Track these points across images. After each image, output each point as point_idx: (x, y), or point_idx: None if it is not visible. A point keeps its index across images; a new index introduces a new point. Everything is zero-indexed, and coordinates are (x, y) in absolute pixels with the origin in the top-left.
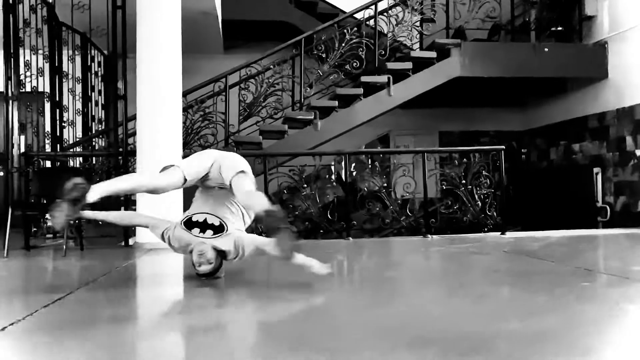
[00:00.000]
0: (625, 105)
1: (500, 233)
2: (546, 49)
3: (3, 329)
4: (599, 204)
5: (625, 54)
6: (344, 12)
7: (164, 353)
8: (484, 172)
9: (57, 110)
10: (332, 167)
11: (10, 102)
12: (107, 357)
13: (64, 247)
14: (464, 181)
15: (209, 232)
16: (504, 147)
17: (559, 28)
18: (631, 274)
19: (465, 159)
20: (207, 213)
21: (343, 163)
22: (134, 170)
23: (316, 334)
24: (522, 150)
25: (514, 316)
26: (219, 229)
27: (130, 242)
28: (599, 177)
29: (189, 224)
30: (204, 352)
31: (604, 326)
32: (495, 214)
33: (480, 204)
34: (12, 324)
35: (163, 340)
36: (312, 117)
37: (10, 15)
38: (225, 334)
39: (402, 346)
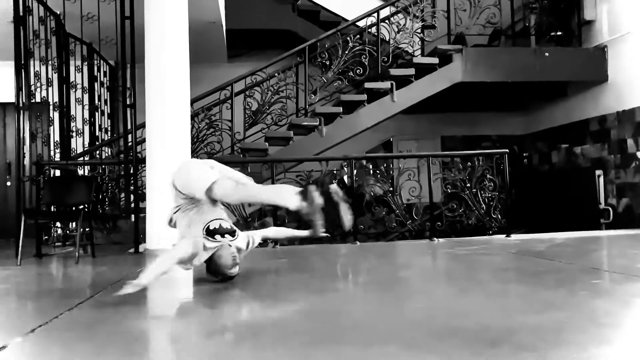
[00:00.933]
0: (626, 107)
1: (505, 235)
2: (547, 54)
3: (32, 330)
4: (602, 206)
5: (624, 57)
6: (347, 20)
7: (188, 352)
8: (488, 176)
9: (66, 119)
10: (335, 172)
11: (22, 112)
12: (139, 349)
13: (77, 254)
14: (468, 185)
15: (228, 237)
16: (507, 150)
17: (559, 33)
18: (637, 272)
19: (469, 163)
20: (219, 219)
21: (348, 168)
22: (142, 179)
23: (338, 329)
24: (524, 154)
25: (530, 310)
26: (232, 232)
27: (141, 249)
28: (601, 179)
29: (209, 233)
30: (223, 351)
31: (619, 318)
32: (499, 216)
33: (484, 207)
34: (40, 325)
35: (188, 340)
36: (317, 123)
37: (21, 27)
38: (250, 333)
39: (430, 337)
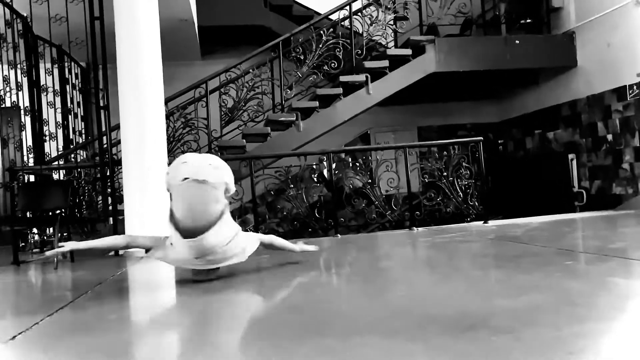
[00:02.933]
0: (595, 92)
1: (482, 222)
2: (517, 41)
3: (13, 337)
4: (576, 189)
5: (592, 42)
6: (319, 14)
7: (171, 351)
8: (464, 164)
9: (38, 124)
10: (315, 167)
11: None
12: (122, 352)
13: (55, 260)
14: (445, 174)
15: None
16: (482, 138)
17: (528, 20)
18: (609, 252)
19: (445, 152)
20: None
21: (327, 162)
22: (119, 181)
23: (322, 321)
24: (499, 141)
25: (508, 294)
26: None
27: (121, 251)
28: (574, 163)
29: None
30: (208, 347)
31: (593, 298)
32: (476, 203)
33: (461, 195)
34: (20, 332)
35: (170, 339)
36: (294, 118)
37: None
38: (233, 329)
39: (411, 325)
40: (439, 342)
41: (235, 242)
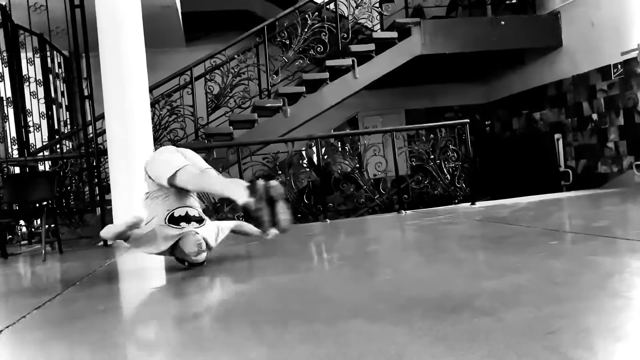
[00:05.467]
0: (580, 72)
1: (470, 203)
2: (502, 22)
3: (0, 331)
4: (562, 168)
5: (577, 22)
6: None
7: (160, 341)
8: (450, 146)
9: (22, 114)
10: (303, 152)
11: None
12: (109, 346)
13: (43, 251)
14: (432, 156)
15: (193, 224)
16: (468, 120)
17: (514, 1)
18: (593, 231)
19: (432, 135)
20: (187, 206)
21: (315, 147)
22: (105, 171)
23: (307, 306)
24: (486, 122)
25: (491, 275)
26: (200, 220)
27: (109, 241)
28: (560, 142)
29: (173, 221)
30: (195, 335)
31: (574, 277)
32: (464, 185)
33: (449, 177)
34: (7, 326)
35: (160, 329)
36: (281, 104)
37: None
38: (221, 316)
39: (396, 308)
40: (422, 325)
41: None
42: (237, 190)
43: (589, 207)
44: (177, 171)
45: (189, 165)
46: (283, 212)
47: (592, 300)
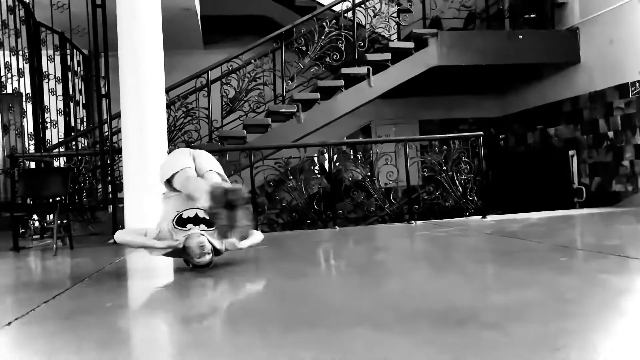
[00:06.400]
0: (597, 88)
1: (481, 217)
2: (520, 36)
3: (9, 323)
4: (575, 185)
5: (596, 38)
6: (322, 5)
7: (166, 340)
8: (463, 158)
9: (40, 110)
10: (315, 158)
11: None
12: (115, 342)
13: (54, 246)
14: (444, 168)
15: (202, 226)
16: (482, 133)
17: (532, 15)
18: (605, 249)
19: (445, 146)
20: (196, 208)
21: (327, 154)
22: (119, 169)
23: (313, 312)
24: (500, 135)
25: (499, 289)
26: (209, 223)
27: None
28: (575, 159)
29: (181, 222)
30: (200, 336)
31: (582, 294)
32: (475, 198)
33: (461, 189)
34: (16, 318)
35: (165, 328)
36: (295, 109)
37: None
38: (226, 319)
39: (401, 318)
40: (427, 336)
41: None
42: (200, 194)
43: (602, 225)
44: (174, 174)
45: (188, 168)
46: (242, 217)
47: (601, 318)
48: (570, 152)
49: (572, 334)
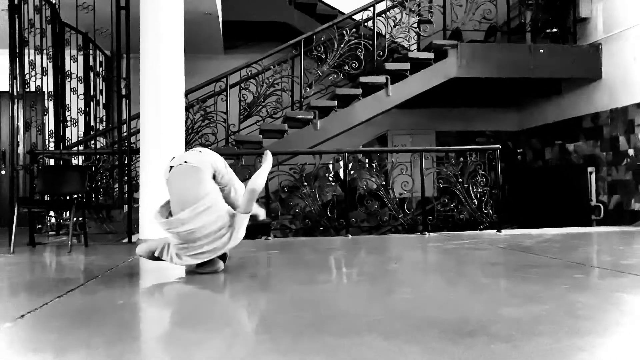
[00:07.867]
0: (619, 105)
1: (496, 230)
2: (541, 50)
3: (22, 316)
4: (593, 202)
5: (618, 55)
6: (343, 14)
7: (177, 340)
8: (480, 171)
9: (61, 109)
10: (330, 166)
11: (16, 101)
12: (124, 339)
13: (69, 243)
14: (460, 180)
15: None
16: (499, 146)
17: (554, 30)
18: (621, 267)
19: (461, 158)
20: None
21: (342, 162)
22: (136, 169)
23: (323, 319)
24: (518, 150)
25: (511, 303)
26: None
27: (133, 238)
28: (593, 176)
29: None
30: (211, 339)
31: (596, 311)
32: (491, 211)
33: (476, 202)
34: (29, 312)
35: (177, 328)
36: (312, 116)
37: (16, 15)
38: (237, 323)
39: (411, 327)
40: (436, 346)
41: (219, 230)
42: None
43: (619, 244)
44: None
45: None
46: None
47: (613, 336)
48: (589, 169)
49: (584, 350)
